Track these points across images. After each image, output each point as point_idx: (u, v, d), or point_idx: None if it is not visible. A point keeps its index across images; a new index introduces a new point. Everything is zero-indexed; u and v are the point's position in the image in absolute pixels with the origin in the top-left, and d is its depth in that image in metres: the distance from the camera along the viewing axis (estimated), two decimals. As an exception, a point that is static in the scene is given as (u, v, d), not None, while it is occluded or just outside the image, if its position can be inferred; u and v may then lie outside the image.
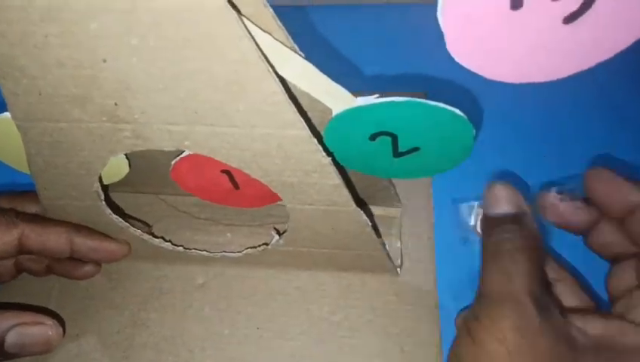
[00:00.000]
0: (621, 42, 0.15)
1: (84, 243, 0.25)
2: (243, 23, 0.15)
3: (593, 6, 0.14)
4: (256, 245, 0.27)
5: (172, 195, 0.31)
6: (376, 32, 0.38)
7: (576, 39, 0.15)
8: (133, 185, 0.30)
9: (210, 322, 0.27)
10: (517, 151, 0.32)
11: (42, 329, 0.22)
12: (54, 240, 0.24)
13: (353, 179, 0.27)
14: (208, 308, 0.28)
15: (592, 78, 0.33)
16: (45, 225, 0.24)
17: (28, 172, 0.25)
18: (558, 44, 0.16)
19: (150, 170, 0.28)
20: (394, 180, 0.30)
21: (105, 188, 0.25)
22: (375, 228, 0.25)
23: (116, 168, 0.25)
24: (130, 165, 0.26)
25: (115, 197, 0.28)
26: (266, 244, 0.27)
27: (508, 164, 0.32)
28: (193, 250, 0.28)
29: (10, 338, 0.21)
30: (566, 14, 0.15)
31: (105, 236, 0.26)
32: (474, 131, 0.20)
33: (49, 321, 0.23)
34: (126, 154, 0.25)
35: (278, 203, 0.29)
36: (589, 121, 0.34)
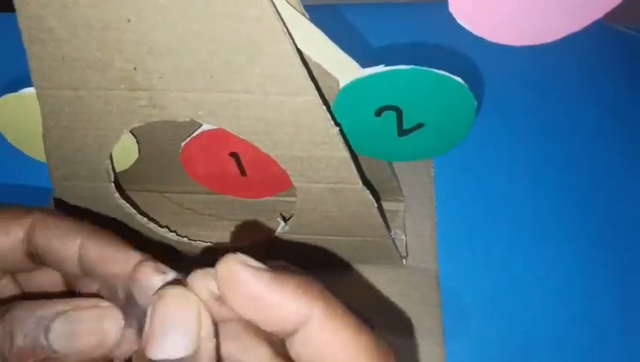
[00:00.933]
0: (610, 2, 0.17)
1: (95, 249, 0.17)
2: (262, -19, 0.17)
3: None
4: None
5: (177, 193, 0.32)
6: (378, 31, 0.40)
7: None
8: (139, 183, 0.30)
9: None
10: (516, 150, 0.33)
11: (95, 314, 0.15)
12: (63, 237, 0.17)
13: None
14: None
15: (590, 77, 0.35)
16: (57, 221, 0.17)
17: (37, 156, 0.25)
18: (553, 4, 0.17)
19: (154, 168, 0.29)
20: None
21: (115, 178, 0.25)
22: (383, 217, 0.26)
23: (124, 154, 0.26)
24: (134, 163, 0.27)
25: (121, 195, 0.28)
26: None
27: (508, 163, 0.33)
28: (198, 242, 0.28)
29: (57, 329, 0.15)
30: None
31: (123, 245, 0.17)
32: (475, 103, 0.21)
33: (105, 304, 0.15)
34: (137, 140, 0.26)
35: (283, 198, 0.30)
36: (586, 119, 0.35)
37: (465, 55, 0.32)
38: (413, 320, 0.26)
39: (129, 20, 0.18)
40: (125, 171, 0.27)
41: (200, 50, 0.18)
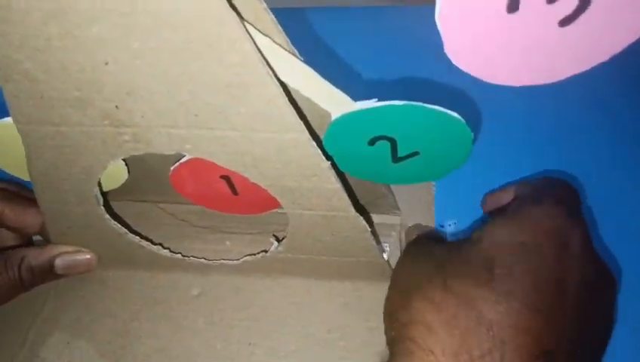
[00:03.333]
0: (616, 45, 0.16)
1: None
2: (244, 26, 0.16)
3: (588, 9, 0.15)
4: (254, 253, 0.27)
5: (171, 203, 0.31)
6: (376, 34, 0.38)
7: (571, 42, 0.16)
8: (132, 193, 0.30)
9: (203, 335, 0.27)
10: (514, 155, 0.32)
11: (83, 255, 0.28)
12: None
13: (353, 186, 0.27)
14: (202, 320, 0.27)
15: (588, 82, 0.34)
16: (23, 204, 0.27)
17: (25, 178, 0.25)
18: (553, 46, 0.16)
19: (149, 178, 0.28)
20: (396, 192, 0.30)
21: (104, 195, 0.25)
22: (374, 234, 0.25)
23: (115, 174, 0.25)
24: (129, 173, 0.26)
25: (114, 205, 0.28)
26: (265, 251, 0.27)
27: (506, 169, 0.31)
28: (191, 258, 0.28)
29: (59, 263, 0.27)
30: (561, 17, 0.15)
31: None
32: (472, 135, 0.21)
33: (86, 250, 0.28)
34: (125, 161, 0.25)
35: (278, 210, 0.29)
36: (583, 124, 0.34)
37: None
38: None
39: (107, 63, 0.17)
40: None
41: (181, 92, 0.18)
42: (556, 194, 0.21)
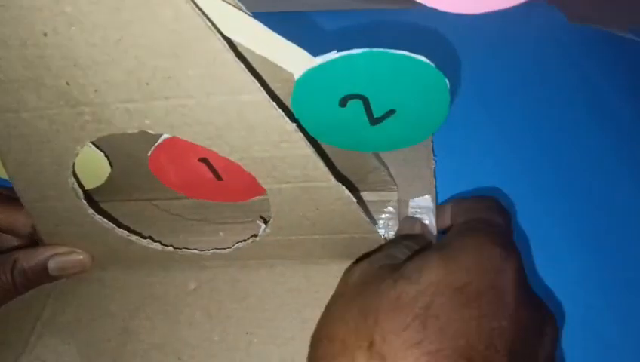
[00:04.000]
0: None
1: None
2: (173, -24, 0.15)
3: None
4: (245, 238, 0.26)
5: (165, 200, 0.31)
6: (373, 35, 0.38)
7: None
8: (125, 193, 0.30)
9: (200, 328, 0.26)
10: (511, 153, 0.32)
11: (76, 256, 0.27)
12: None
13: (339, 162, 0.26)
14: (199, 313, 0.27)
15: (584, 77, 0.33)
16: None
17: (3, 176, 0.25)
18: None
19: (138, 177, 0.28)
20: (393, 169, 0.28)
21: (89, 193, 0.24)
22: (366, 210, 0.24)
23: (96, 170, 0.25)
24: (119, 173, 0.26)
25: (106, 206, 0.28)
26: (255, 236, 0.26)
27: (504, 168, 0.31)
28: (184, 249, 0.27)
29: (52, 265, 0.26)
30: None
31: None
32: (447, 82, 0.19)
33: (79, 250, 0.27)
34: (108, 158, 0.25)
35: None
36: (580, 122, 0.33)
37: (459, 63, 0.30)
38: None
39: (45, 34, 0.16)
40: (110, 182, 0.26)
41: (125, 59, 0.17)
42: (487, 222, 0.21)
